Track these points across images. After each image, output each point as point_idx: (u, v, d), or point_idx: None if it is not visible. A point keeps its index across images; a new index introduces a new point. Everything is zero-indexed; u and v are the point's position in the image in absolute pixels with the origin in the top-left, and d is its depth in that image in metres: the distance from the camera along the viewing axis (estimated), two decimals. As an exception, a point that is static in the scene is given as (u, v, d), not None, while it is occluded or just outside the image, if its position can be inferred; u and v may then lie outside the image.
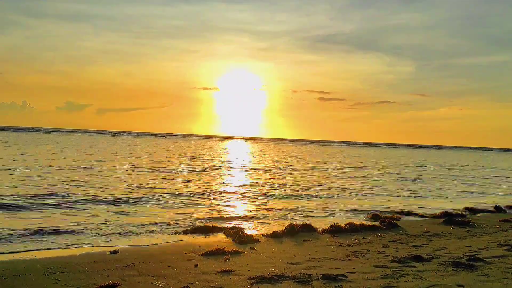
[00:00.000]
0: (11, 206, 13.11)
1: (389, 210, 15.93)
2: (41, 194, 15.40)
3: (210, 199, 17.28)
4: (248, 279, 6.77)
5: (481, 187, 27.67)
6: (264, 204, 16.64)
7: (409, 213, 15.27)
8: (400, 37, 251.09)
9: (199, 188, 20.10)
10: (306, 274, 7.01)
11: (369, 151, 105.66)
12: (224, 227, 11.18)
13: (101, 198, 15.44)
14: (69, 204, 13.99)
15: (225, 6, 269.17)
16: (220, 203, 16.43)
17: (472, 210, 16.60)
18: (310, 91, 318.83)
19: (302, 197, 18.82)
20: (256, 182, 23.91)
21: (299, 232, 10.88)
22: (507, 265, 7.79)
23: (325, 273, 6.97)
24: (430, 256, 8.43)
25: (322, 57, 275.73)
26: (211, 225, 11.43)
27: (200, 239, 10.03)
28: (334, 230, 11.25)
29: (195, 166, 32.46)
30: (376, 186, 24.96)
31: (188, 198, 17.02)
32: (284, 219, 13.38)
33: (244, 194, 19.04)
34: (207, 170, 29.94)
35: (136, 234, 10.53)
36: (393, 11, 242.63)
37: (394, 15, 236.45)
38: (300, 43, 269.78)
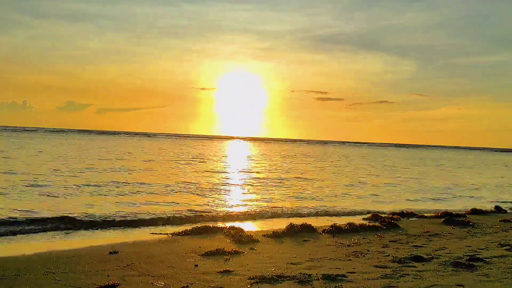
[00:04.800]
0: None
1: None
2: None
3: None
4: (248, 279, 6.77)
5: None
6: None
7: (409, 213, 15.27)
8: (402, 37, 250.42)
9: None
10: (306, 274, 7.00)
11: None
12: (224, 227, 11.17)
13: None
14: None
15: (226, 6, 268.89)
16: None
17: (473, 211, 16.57)
18: (308, 91, 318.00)
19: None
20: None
21: (299, 232, 10.87)
22: (507, 265, 7.78)
23: (325, 273, 6.97)
24: (430, 256, 8.43)
25: (324, 57, 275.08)
26: (211, 225, 11.43)
27: (200, 239, 10.02)
28: (334, 230, 11.23)
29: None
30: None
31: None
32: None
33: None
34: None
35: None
36: (396, 11, 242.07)
37: (397, 15, 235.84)
38: (301, 42, 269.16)
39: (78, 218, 11.94)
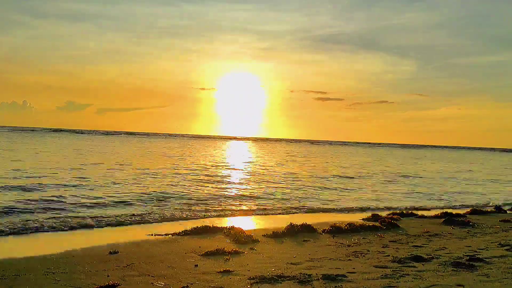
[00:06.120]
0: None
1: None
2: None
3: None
4: (248, 279, 6.77)
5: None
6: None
7: (409, 214, 15.28)
8: (402, 37, 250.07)
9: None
10: (306, 274, 7.00)
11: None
12: (224, 227, 11.17)
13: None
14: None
15: (226, 6, 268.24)
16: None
17: (473, 211, 16.57)
18: (307, 91, 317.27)
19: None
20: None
21: (299, 232, 10.87)
22: (507, 265, 7.78)
23: (325, 273, 6.97)
24: (430, 256, 8.43)
25: (324, 57, 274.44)
26: (211, 225, 11.42)
27: (200, 239, 10.02)
28: (334, 230, 11.23)
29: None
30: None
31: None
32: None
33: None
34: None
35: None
36: (396, 11, 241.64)
37: (397, 15, 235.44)
38: (301, 42, 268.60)
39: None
